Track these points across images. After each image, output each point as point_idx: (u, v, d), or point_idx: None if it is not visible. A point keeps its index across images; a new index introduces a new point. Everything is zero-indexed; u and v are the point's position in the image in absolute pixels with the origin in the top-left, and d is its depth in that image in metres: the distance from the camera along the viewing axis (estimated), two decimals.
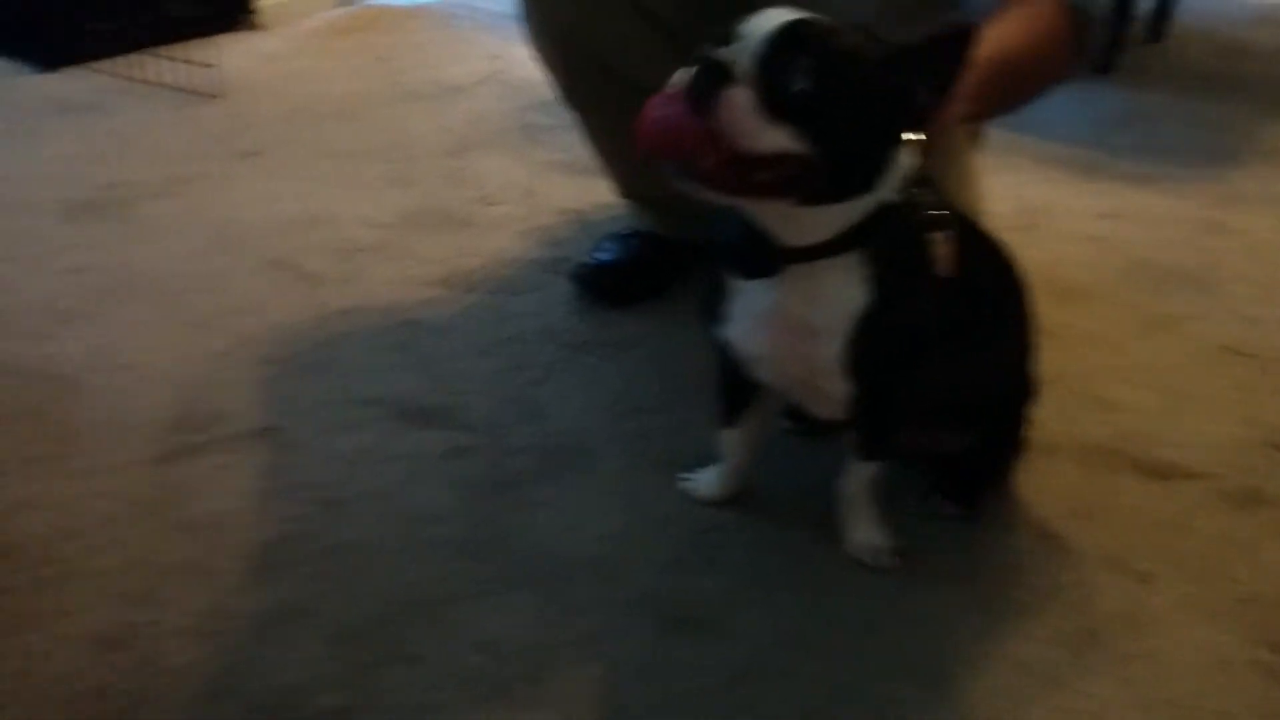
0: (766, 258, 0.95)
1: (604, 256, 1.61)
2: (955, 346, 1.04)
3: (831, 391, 1.00)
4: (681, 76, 0.85)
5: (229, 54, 2.42)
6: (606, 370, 1.43)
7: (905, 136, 0.92)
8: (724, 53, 0.85)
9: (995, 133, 1.38)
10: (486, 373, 1.41)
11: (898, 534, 1.13)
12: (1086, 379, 1.42)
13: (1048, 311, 1.19)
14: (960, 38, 0.86)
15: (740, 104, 0.83)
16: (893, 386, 1.02)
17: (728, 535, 1.16)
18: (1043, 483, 1.24)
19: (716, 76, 0.83)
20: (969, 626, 1.06)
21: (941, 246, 0.97)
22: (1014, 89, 1.10)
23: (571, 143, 2.13)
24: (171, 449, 1.24)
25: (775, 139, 0.84)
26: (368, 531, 1.14)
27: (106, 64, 2.39)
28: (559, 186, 1.96)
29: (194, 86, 2.29)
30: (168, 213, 1.78)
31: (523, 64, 2.62)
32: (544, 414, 1.34)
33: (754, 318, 1.00)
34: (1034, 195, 1.94)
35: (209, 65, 2.28)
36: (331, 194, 1.88)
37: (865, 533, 1.14)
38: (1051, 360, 1.23)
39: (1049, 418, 1.28)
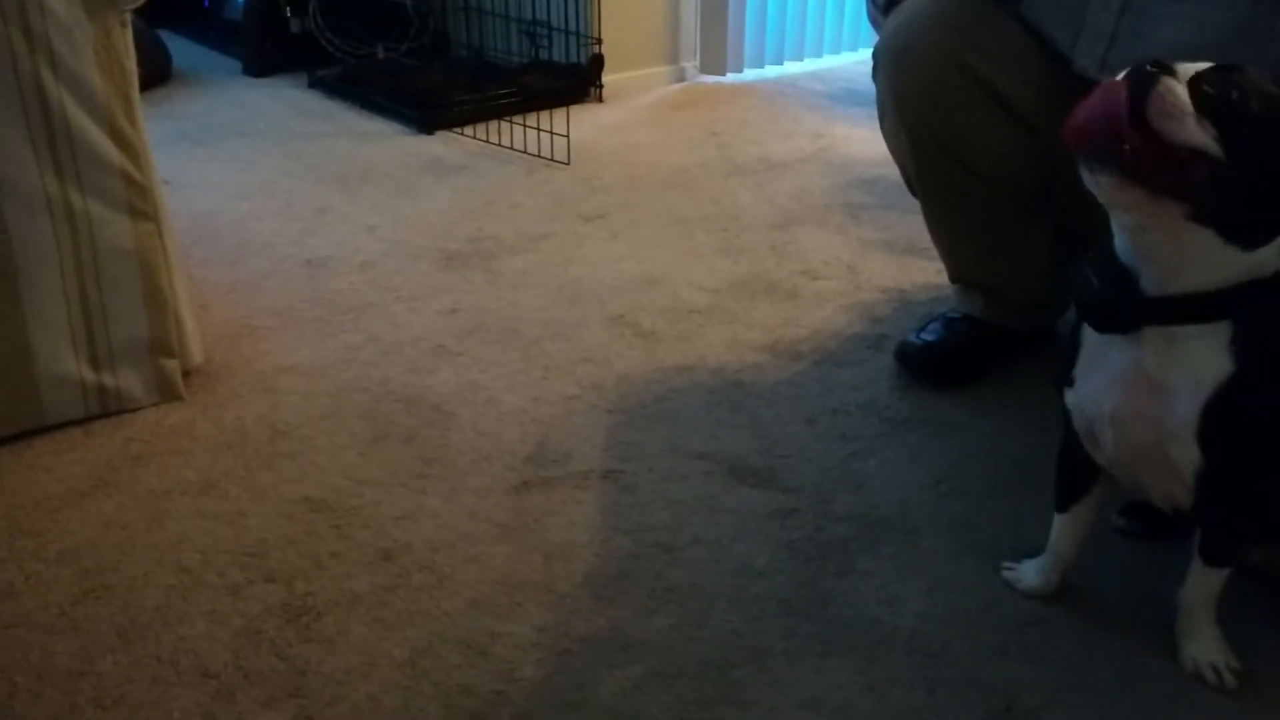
0: (1127, 309, 0.97)
1: (929, 337, 1.63)
2: None
3: (1179, 461, 0.98)
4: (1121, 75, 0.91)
5: (576, 124, 2.64)
6: (929, 449, 1.45)
7: None
8: (1168, 61, 0.90)
9: None
10: (811, 440, 1.47)
11: (1237, 652, 1.09)
12: None
13: None
14: None
15: (1174, 93, 0.88)
16: (1246, 475, 0.99)
17: (1053, 630, 1.15)
18: None
19: (1158, 70, 0.89)
20: None
21: None
22: None
23: (891, 221, 2.19)
24: (527, 479, 1.38)
25: (1195, 134, 0.87)
26: (698, 577, 1.22)
27: (471, 129, 2.68)
28: (880, 264, 2.01)
29: (546, 153, 2.53)
30: (523, 266, 1.98)
31: (845, 143, 2.70)
32: (867, 486, 1.38)
33: (1106, 376, 1.01)
34: None
35: (561, 134, 2.51)
36: (666, 258, 2.02)
37: (1203, 647, 1.09)
38: None
39: None
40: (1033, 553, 1.21)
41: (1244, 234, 0.91)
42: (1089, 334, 1.03)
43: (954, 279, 1.67)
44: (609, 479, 1.38)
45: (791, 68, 3.40)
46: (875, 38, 1.56)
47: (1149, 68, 0.89)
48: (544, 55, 3.04)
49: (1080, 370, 1.05)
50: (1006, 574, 1.22)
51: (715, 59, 3.21)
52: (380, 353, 1.67)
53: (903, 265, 2.00)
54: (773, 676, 1.09)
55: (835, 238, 2.12)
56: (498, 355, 1.67)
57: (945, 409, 1.54)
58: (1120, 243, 0.98)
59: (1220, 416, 0.95)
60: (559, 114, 2.57)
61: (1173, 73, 0.89)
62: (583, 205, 2.27)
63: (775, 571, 1.23)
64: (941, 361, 1.61)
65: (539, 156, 2.53)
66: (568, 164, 2.49)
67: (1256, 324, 0.94)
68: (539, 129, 2.55)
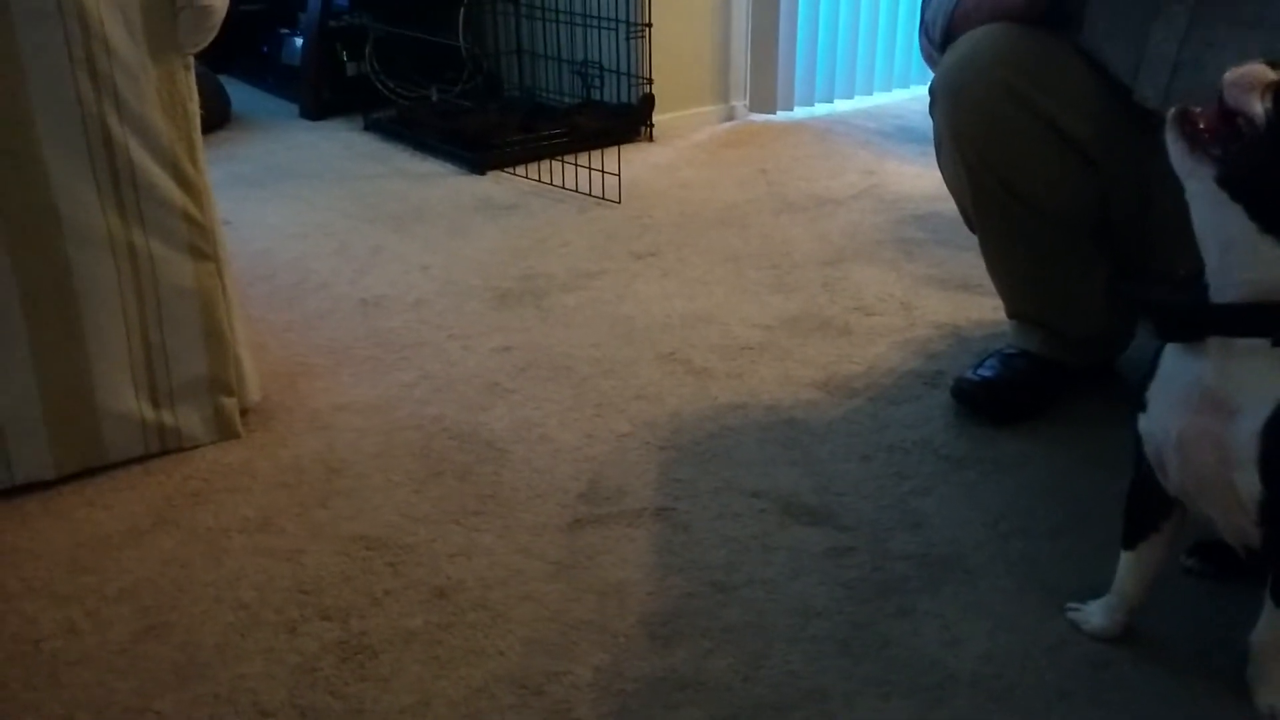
0: (1191, 314, 0.98)
1: (986, 373, 1.61)
2: None
3: (1242, 490, 0.96)
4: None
5: (627, 163, 2.66)
6: (987, 487, 1.43)
7: None
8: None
9: None
10: (867, 478, 1.45)
11: None
12: None
13: None
14: None
15: (1256, 70, 0.93)
16: None
17: (1121, 674, 1.12)
18: None
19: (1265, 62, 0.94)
20: None
21: None
22: None
23: (945, 258, 2.17)
24: (580, 517, 1.37)
25: (1249, 103, 0.92)
26: (754, 617, 1.20)
27: (524, 169, 2.71)
28: (934, 300, 1.99)
29: (597, 191, 2.54)
30: (575, 304, 1.99)
31: (897, 179, 2.69)
32: (925, 524, 1.35)
33: (1174, 396, 1.00)
34: None
35: (612, 173, 2.52)
36: (718, 295, 2.02)
37: (1274, 692, 1.05)
38: None
39: None
40: (1098, 593, 1.18)
41: (1272, 220, 0.92)
42: (1166, 357, 1.03)
43: (1011, 314, 1.65)
44: (662, 517, 1.37)
45: (842, 105, 3.40)
46: (927, 73, 1.55)
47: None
48: (595, 95, 3.07)
49: (1153, 393, 1.03)
50: (1071, 615, 1.19)
51: (765, 97, 3.22)
52: (434, 390, 1.68)
53: (957, 301, 1.98)
54: (831, 719, 1.06)
55: (889, 274, 2.11)
56: (550, 393, 1.67)
57: (1003, 446, 1.52)
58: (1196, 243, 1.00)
59: (1276, 442, 0.93)
60: (610, 153, 2.59)
61: (1273, 66, 0.94)
62: (634, 243, 2.27)
63: (833, 611, 1.21)
64: (999, 398, 1.58)
65: (590, 195, 2.55)
66: (619, 203, 2.50)
67: None
68: (590, 168, 2.57)
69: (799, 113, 3.29)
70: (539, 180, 2.65)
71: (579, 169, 2.60)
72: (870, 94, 3.47)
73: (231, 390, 1.51)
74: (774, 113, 3.24)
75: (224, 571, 1.27)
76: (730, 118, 3.23)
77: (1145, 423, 1.05)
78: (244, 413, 1.56)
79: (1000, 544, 1.32)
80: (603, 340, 1.84)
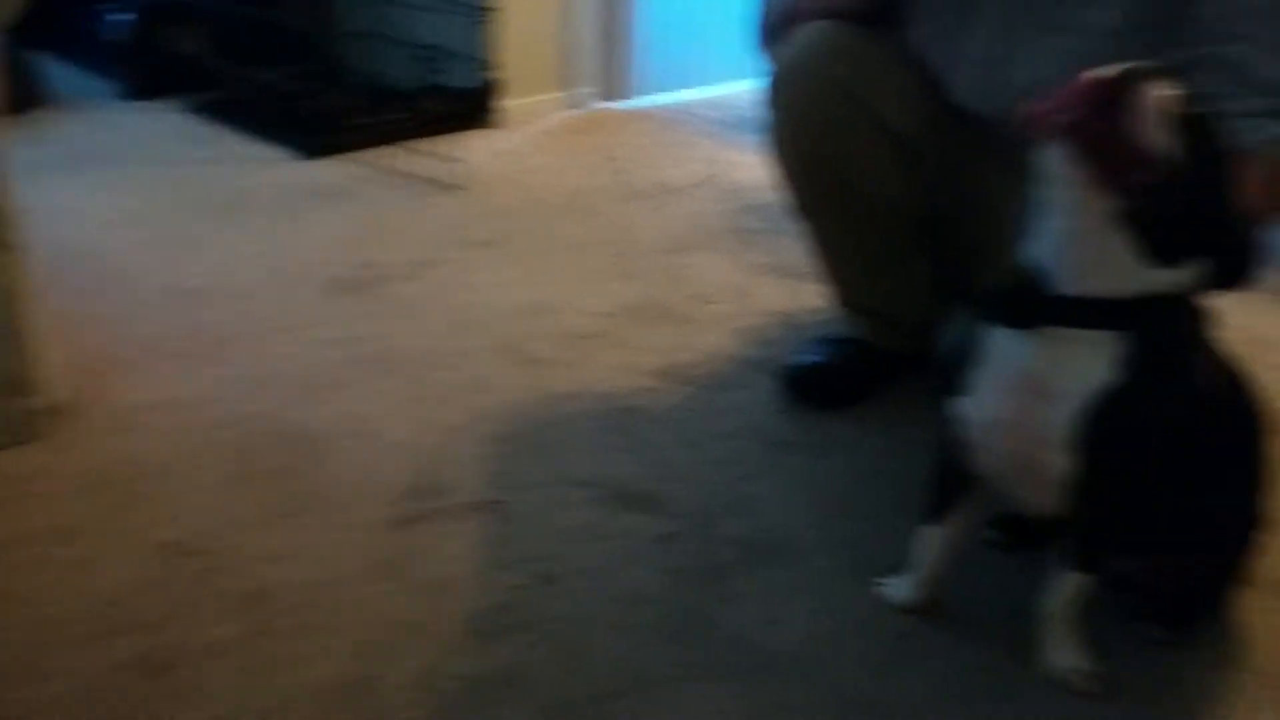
0: (1032, 304, 0.99)
1: (815, 359, 1.64)
2: (1189, 465, 1.03)
3: (1050, 469, 1.00)
4: (1101, 72, 0.92)
5: (472, 149, 2.62)
6: (813, 471, 1.46)
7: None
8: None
9: None
10: (697, 464, 1.46)
11: (1099, 657, 1.11)
12: None
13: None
14: None
15: (1155, 98, 0.90)
16: (1117, 485, 1.01)
17: (927, 643, 1.16)
18: (1266, 621, 1.19)
19: (1141, 75, 0.91)
20: None
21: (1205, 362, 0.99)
22: None
23: (781, 247, 2.20)
24: (405, 514, 1.34)
25: (1159, 141, 0.90)
26: (581, 608, 1.20)
27: (363, 154, 2.63)
28: (770, 288, 2.02)
29: (439, 178, 2.49)
30: (412, 294, 1.94)
31: (737, 169, 2.72)
32: (751, 509, 1.37)
33: (996, 381, 1.03)
34: (1268, 328, 1.86)
35: (455, 159, 2.47)
36: (558, 283, 2.00)
37: (1065, 654, 1.11)
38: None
39: None
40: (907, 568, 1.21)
41: (1159, 249, 0.95)
42: (990, 342, 1.04)
43: (840, 303, 1.68)
44: (491, 510, 1.35)
45: (687, 94, 3.41)
46: (766, 66, 1.56)
47: (1133, 72, 0.92)
48: (440, 80, 3.00)
49: (972, 378, 1.05)
50: (879, 589, 1.22)
51: (613, 85, 3.21)
52: (254, 386, 1.61)
53: (792, 289, 2.01)
54: (656, 705, 1.07)
55: (727, 262, 2.13)
56: (380, 386, 1.63)
57: (828, 430, 1.55)
58: (1044, 241, 0.99)
59: (1092, 426, 0.97)
60: (455, 139, 2.54)
61: (1153, 80, 0.92)
62: (476, 231, 2.24)
63: (659, 598, 1.22)
64: (826, 383, 1.61)
65: (433, 182, 2.49)
66: (462, 189, 2.45)
67: (1145, 340, 0.97)
68: (433, 154, 2.52)
69: (646, 101, 3.30)
70: (379, 166, 2.58)
71: (421, 155, 2.55)
72: (715, 84, 3.49)
73: (31, 389, 1.42)
74: (622, 100, 3.23)
75: (19, 585, 1.19)
76: (578, 105, 3.21)
77: (967, 405, 1.06)
78: (45, 413, 1.46)
79: (825, 525, 1.35)
80: (438, 331, 1.81)
